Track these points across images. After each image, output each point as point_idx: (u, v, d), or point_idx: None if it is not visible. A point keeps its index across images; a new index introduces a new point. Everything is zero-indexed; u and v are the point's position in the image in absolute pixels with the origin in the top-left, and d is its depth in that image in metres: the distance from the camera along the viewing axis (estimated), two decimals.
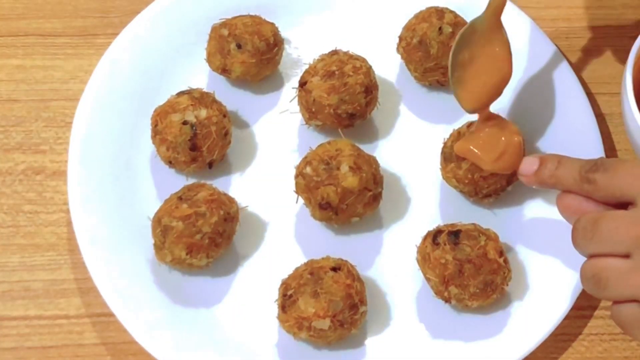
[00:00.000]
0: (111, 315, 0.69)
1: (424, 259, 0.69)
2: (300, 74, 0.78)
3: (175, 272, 0.73)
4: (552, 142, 0.78)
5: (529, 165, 0.69)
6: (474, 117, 0.73)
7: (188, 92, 0.75)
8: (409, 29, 0.78)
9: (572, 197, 0.66)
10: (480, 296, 0.69)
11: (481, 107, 0.72)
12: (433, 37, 0.77)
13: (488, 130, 0.72)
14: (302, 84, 0.76)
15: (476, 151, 0.71)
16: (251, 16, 0.79)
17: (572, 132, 0.77)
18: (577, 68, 0.83)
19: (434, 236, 0.69)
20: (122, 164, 0.76)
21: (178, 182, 0.75)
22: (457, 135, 0.74)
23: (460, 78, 0.71)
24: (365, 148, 0.74)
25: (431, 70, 0.78)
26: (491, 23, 0.70)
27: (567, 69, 0.80)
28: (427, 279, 0.70)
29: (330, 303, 0.66)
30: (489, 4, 0.70)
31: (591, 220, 0.62)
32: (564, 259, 0.72)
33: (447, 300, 0.69)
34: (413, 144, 0.79)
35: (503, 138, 0.71)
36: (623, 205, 0.62)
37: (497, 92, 0.72)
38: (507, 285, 0.70)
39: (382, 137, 0.80)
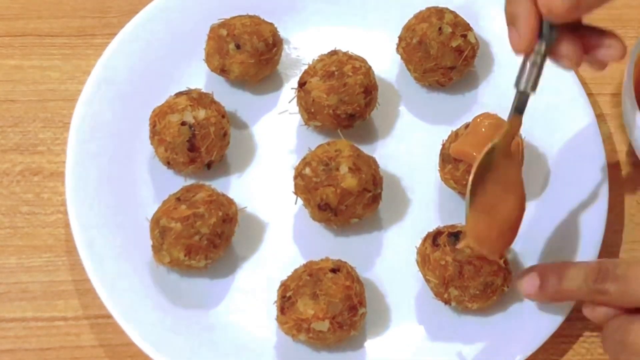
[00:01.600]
0: (109, 317, 0.69)
1: (424, 260, 0.69)
2: (299, 74, 0.78)
3: (173, 273, 0.72)
4: (552, 142, 0.78)
5: (530, 282, 0.68)
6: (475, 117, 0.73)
7: (186, 93, 0.75)
8: (409, 29, 0.78)
9: (596, 307, 0.66)
10: (480, 298, 0.68)
11: (497, 252, 0.68)
12: (433, 38, 0.76)
13: (485, 131, 0.71)
14: (301, 84, 0.76)
15: (472, 152, 0.71)
16: (250, 16, 0.79)
17: (573, 133, 0.77)
18: (578, 68, 0.83)
19: (434, 237, 0.69)
20: (120, 164, 0.76)
21: (176, 183, 0.75)
22: (455, 136, 0.74)
23: (474, 218, 0.65)
24: (365, 149, 0.74)
25: (431, 71, 0.78)
26: (506, 150, 0.65)
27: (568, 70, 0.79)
28: (427, 281, 0.70)
29: (329, 305, 0.66)
30: (505, 130, 0.65)
31: (621, 329, 0.63)
32: (564, 260, 0.72)
33: (446, 301, 0.69)
34: (413, 144, 0.79)
35: None
36: None
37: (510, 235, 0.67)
38: (507, 286, 0.69)
39: (381, 138, 0.79)
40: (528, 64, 0.62)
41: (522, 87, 0.62)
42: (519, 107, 0.64)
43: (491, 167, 0.64)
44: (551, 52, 0.61)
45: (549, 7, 0.58)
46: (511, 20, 0.61)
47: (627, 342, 0.62)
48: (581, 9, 0.58)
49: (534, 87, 0.62)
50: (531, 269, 0.69)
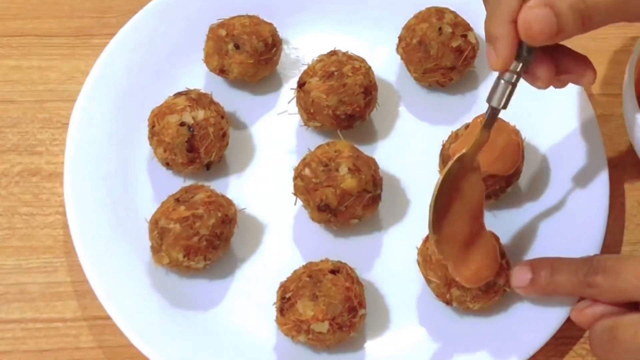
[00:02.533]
0: (108, 318, 0.69)
1: (425, 260, 0.69)
2: (298, 74, 0.78)
3: (172, 274, 0.72)
4: (552, 143, 0.78)
5: (522, 275, 0.68)
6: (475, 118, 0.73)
7: (185, 93, 0.75)
8: (409, 29, 0.78)
9: (583, 309, 0.67)
10: (483, 298, 0.68)
11: (457, 256, 0.67)
12: (433, 38, 0.76)
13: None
14: (301, 84, 0.76)
15: None
16: (249, 16, 0.79)
17: (573, 133, 0.77)
18: None
19: None
20: (118, 165, 0.76)
21: (175, 183, 0.74)
22: (455, 137, 0.74)
23: (437, 226, 0.65)
24: (365, 149, 0.74)
25: (431, 71, 0.78)
26: (472, 162, 0.66)
27: None
28: (428, 281, 0.69)
29: (329, 306, 0.66)
30: (474, 142, 0.65)
31: (607, 328, 0.63)
32: None
33: (448, 302, 0.69)
34: (413, 145, 0.79)
35: (500, 139, 0.71)
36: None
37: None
38: (509, 287, 0.69)
39: (381, 139, 0.79)
40: (502, 82, 0.63)
41: (494, 103, 0.64)
42: (489, 122, 0.65)
43: (458, 176, 0.65)
44: (526, 72, 0.63)
45: (526, 32, 0.59)
46: (490, 40, 0.62)
47: (616, 340, 0.62)
48: (561, 36, 0.59)
49: (505, 105, 0.64)
50: (524, 263, 0.70)
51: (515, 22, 0.59)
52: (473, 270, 0.66)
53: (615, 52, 0.85)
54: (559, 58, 0.64)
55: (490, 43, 0.62)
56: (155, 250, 0.70)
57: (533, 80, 0.64)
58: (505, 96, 0.63)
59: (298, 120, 0.79)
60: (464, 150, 0.65)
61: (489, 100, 0.64)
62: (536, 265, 0.69)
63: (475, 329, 0.71)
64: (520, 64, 0.62)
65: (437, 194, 0.64)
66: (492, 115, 0.64)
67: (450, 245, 0.66)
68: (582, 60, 0.65)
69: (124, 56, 0.80)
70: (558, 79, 0.65)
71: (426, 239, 0.70)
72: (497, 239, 0.70)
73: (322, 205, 0.71)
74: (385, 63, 0.81)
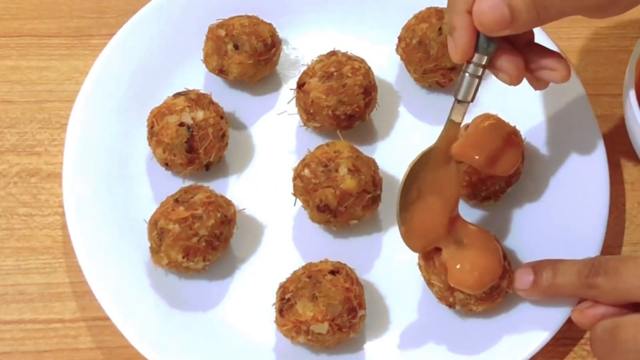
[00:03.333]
0: (107, 319, 0.69)
1: (428, 264, 0.69)
2: (298, 75, 0.77)
3: (171, 275, 0.72)
4: (553, 144, 0.77)
5: (524, 277, 0.69)
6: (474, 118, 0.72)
7: (185, 94, 0.75)
8: (409, 29, 0.78)
9: (585, 310, 0.67)
10: (486, 300, 0.68)
11: (424, 248, 0.69)
12: (433, 38, 0.76)
13: (484, 132, 0.71)
14: (300, 85, 0.76)
15: (472, 153, 0.70)
16: (249, 16, 0.79)
17: (573, 134, 0.77)
18: (579, 69, 0.83)
19: None
20: (117, 166, 0.76)
21: (174, 184, 0.74)
22: None
23: (405, 218, 0.66)
24: (364, 150, 0.74)
25: (431, 71, 0.78)
26: (443, 155, 0.67)
27: None
28: (431, 285, 0.69)
29: (328, 307, 0.66)
30: (442, 135, 0.67)
31: (608, 329, 0.63)
32: None
33: (451, 305, 0.69)
34: (412, 145, 0.78)
35: (501, 139, 0.71)
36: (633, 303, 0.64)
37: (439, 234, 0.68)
38: (512, 288, 0.69)
39: (381, 139, 0.79)
40: (466, 75, 0.64)
41: (460, 97, 0.65)
42: (455, 115, 0.66)
43: (426, 169, 0.66)
44: (490, 64, 0.64)
45: (479, 21, 0.60)
46: (449, 31, 0.63)
47: (617, 341, 0.62)
48: (516, 27, 0.60)
49: (472, 98, 0.64)
50: (525, 265, 0.70)
51: (471, 12, 0.60)
52: (476, 276, 0.66)
53: (616, 52, 0.85)
54: (531, 55, 0.64)
55: (449, 35, 0.63)
56: (155, 250, 0.70)
57: (497, 73, 0.64)
58: (473, 89, 0.64)
59: (297, 121, 0.79)
60: (432, 145, 0.66)
61: (455, 93, 0.65)
62: (538, 267, 0.68)
63: (475, 330, 0.70)
64: (485, 57, 0.63)
65: (402, 187, 0.65)
66: (459, 109, 0.65)
67: (421, 237, 0.67)
68: (556, 57, 0.65)
69: (123, 56, 0.80)
70: (532, 76, 0.66)
71: None
72: (498, 240, 0.70)
73: (321, 206, 0.70)
74: (385, 63, 0.81)
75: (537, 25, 0.61)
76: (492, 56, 0.63)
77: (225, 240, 0.71)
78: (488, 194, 0.73)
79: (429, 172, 0.66)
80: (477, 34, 0.62)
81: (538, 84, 0.67)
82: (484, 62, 0.63)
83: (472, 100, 0.64)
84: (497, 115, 0.73)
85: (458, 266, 0.67)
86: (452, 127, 0.66)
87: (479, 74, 0.63)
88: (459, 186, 0.69)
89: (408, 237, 0.67)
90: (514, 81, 0.64)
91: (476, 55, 0.63)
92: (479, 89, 0.65)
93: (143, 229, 0.71)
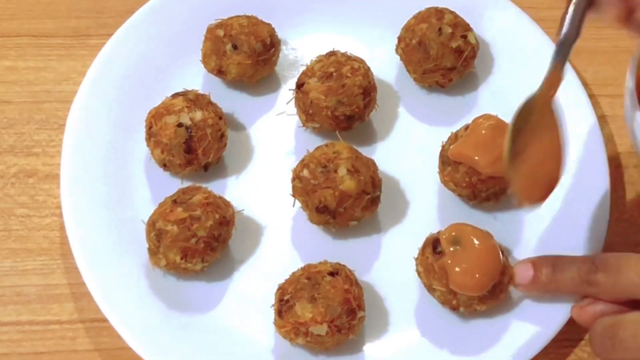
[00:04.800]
0: (104, 320, 0.69)
1: (428, 270, 0.68)
2: (297, 75, 0.77)
3: (169, 276, 0.72)
4: None
5: (523, 272, 0.68)
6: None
7: (183, 94, 0.74)
8: (408, 29, 0.78)
9: (585, 306, 0.66)
10: (489, 298, 0.68)
11: (539, 201, 0.66)
12: (432, 38, 0.76)
13: (485, 132, 0.71)
14: (299, 85, 0.76)
15: (472, 154, 0.70)
16: (247, 16, 0.78)
17: (574, 135, 0.77)
18: (579, 70, 0.83)
19: (434, 245, 0.68)
20: (116, 166, 0.76)
21: (173, 185, 0.74)
22: (455, 138, 0.73)
23: (516, 171, 0.63)
24: (364, 151, 0.74)
25: (430, 72, 0.78)
26: (546, 104, 0.64)
27: (569, 71, 0.79)
28: (432, 290, 0.69)
29: (327, 308, 0.66)
30: (545, 80, 0.64)
31: (608, 327, 0.63)
32: None
33: (455, 308, 0.69)
34: (412, 146, 0.79)
35: (501, 140, 0.70)
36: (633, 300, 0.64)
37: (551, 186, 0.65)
38: (512, 283, 0.69)
39: (380, 140, 0.79)
40: (572, 6, 0.60)
41: (566, 31, 0.61)
42: (560, 56, 0.62)
43: (530, 117, 0.63)
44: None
45: None
46: None
47: (617, 338, 0.62)
48: None
49: (577, 31, 0.61)
50: (525, 260, 0.69)
51: None
52: (477, 278, 0.66)
53: (616, 52, 0.85)
54: None
55: None
56: (153, 252, 0.70)
57: (601, 8, 0.61)
58: (580, 22, 0.60)
59: (297, 121, 0.78)
60: (534, 92, 0.63)
61: (558, 32, 0.61)
62: (538, 262, 0.68)
63: (474, 331, 0.70)
64: None
65: (510, 138, 0.62)
66: (565, 47, 0.62)
67: (540, 187, 0.64)
68: None
69: (121, 57, 0.80)
70: (630, 22, 0.61)
71: (423, 249, 0.70)
72: (491, 236, 0.69)
73: (320, 207, 0.70)
74: (385, 64, 0.81)
75: None
76: None
77: (224, 241, 0.71)
78: (488, 195, 0.73)
79: (534, 120, 0.63)
80: None
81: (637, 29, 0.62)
82: None
83: (577, 34, 0.61)
84: (497, 116, 0.72)
85: (457, 269, 0.67)
86: (555, 72, 0.63)
87: (584, 5, 0.60)
88: (562, 133, 0.65)
89: (526, 190, 0.64)
90: (619, 21, 0.60)
91: None
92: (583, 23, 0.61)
93: (141, 230, 0.71)
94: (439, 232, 0.69)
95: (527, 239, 0.74)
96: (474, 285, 0.66)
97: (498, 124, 0.72)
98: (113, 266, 0.71)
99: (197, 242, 0.68)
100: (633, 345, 0.61)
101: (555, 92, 0.64)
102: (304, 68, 0.77)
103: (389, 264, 0.74)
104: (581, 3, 0.60)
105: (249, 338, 0.70)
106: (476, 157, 0.70)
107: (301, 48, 0.83)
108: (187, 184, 0.74)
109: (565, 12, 0.61)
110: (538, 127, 0.64)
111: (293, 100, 0.77)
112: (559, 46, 0.62)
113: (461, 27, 0.77)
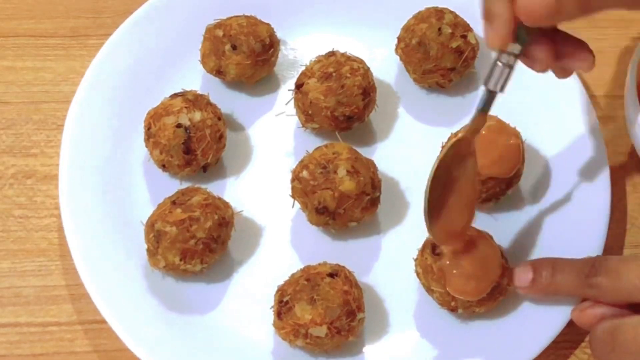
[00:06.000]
0: (103, 322, 0.69)
1: (426, 271, 0.68)
2: (296, 75, 0.77)
3: (168, 278, 0.72)
4: (553, 145, 0.77)
5: (523, 275, 0.68)
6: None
7: (182, 94, 0.74)
8: (408, 29, 0.78)
9: (584, 309, 0.66)
10: (488, 300, 0.68)
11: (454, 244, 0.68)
12: (432, 38, 0.76)
13: (484, 133, 0.71)
14: (299, 85, 0.75)
15: None
16: (246, 16, 0.78)
17: (574, 135, 0.77)
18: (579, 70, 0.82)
19: (433, 247, 0.68)
20: (114, 167, 0.76)
21: (172, 186, 0.74)
22: None
23: (435, 214, 0.65)
24: (363, 151, 0.74)
25: (430, 72, 0.77)
26: (470, 147, 0.65)
27: None
28: (431, 292, 0.69)
29: (327, 310, 0.65)
30: (469, 126, 0.65)
31: (608, 330, 0.63)
32: None
33: (454, 309, 0.69)
34: (412, 147, 0.79)
35: (500, 141, 0.71)
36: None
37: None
38: (512, 285, 0.69)
39: (380, 140, 0.79)
40: (499, 64, 0.62)
41: (491, 86, 0.62)
42: (485, 106, 0.63)
43: (454, 162, 0.64)
44: (524, 54, 0.62)
45: (527, 12, 0.58)
46: (488, 17, 0.60)
47: (617, 341, 0.62)
48: (560, 17, 0.58)
49: (502, 88, 0.62)
50: (525, 262, 0.69)
51: (514, 0, 0.58)
52: (474, 283, 0.66)
53: (617, 53, 0.85)
54: (558, 43, 0.63)
55: (488, 21, 0.60)
56: (152, 253, 0.69)
57: (531, 63, 0.63)
58: (503, 79, 0.62)
59: (296, 122, 0.78)
60: (460, 135, 0.64)
61: (485, 83, 0.62)
62: (537, 265, 0.68)
63: (474, 333, 0.70)
64: (520, 47, 0.61)
65: (432, 178, 0.63)
66: (488, 99, 0.63)
67: (445, 233, 0.66)
68: (581, 45, 0.64)
69: (119, 57, 0.79)
70: (558, 66, 0.64)
71: (422, 250, 0.70)
72: (491, 237, 0.69)
73: (320, 208, 0.70)
74: (384, 64, 0.81)
75: (580, 16, 0.59)
76: (528, 45, 0.61)
77: (223, 242, 0.70)
78: (488, 195, 0.73)
79: (456, 166, 0.65)
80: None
81: (563, 72, 0.65)
82: (518, 52, 0.61)
83: (502, 91, 0.62)
84: (497, 117, 0.72)
85: (455, 272, 0.67)
86: (480, 118, 0.64)
87: (512, 63, 0.61)
88: (478, 180, 0.67)
89: (439, 235, 0.65)
90: (544, 69, 0.63)
91: (511, 45, 0.61)
92: (509, 79, 0.63)
93: (140, 231, 0.71)
94: None
95: (526, 240, 0.74)
96: (472, 290, 0.66)
97: (498, 124, 0.72)
98: (112, 267, 0.71)
99: (196, 243, 0.68)
100: (633, 348, 0.61)
101: (476, 135, 0.65)
102: (303, 68, 0.77)
103: (388, 265, 0.74)
104: (509, 63, 0.61)
105: (248, 340, 0.70)
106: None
107: (300, 48, 0.83)
108: (186, 184, 0.74)
109: (494, 66, 0.62)
110: (462, 171, 0.65)
111: (292, 101, 0.77)
112: (487, 97, 0.63)
113: (461, 27, 0.77)
